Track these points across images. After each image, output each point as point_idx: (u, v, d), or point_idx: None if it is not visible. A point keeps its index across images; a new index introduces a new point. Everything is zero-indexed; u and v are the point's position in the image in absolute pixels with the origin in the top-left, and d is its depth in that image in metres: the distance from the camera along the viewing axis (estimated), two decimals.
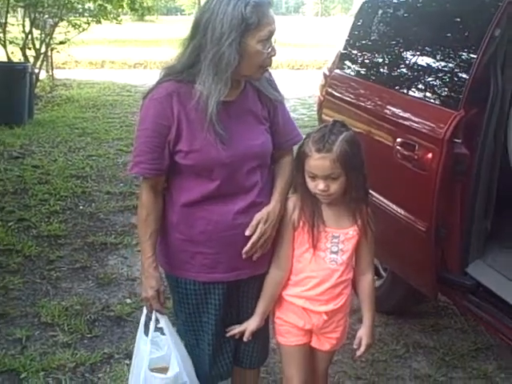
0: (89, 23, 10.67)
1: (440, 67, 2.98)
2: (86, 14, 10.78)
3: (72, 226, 4.75)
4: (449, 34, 2.98)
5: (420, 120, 2.84)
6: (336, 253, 2.07)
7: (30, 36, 9.92)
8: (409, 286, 3.16)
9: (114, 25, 11.78)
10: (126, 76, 13.61)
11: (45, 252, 4.25)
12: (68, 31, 10.65)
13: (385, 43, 3.50)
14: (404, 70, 3.23)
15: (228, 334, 2.14)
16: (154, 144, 1.96)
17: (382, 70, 3.45)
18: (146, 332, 2.14)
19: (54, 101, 10.21)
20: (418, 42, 3.17)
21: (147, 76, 11.99)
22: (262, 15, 1.88)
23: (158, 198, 2.06)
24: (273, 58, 1.96)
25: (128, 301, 3.61)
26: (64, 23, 10.57)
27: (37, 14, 9.96)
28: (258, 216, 2.01)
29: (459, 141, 2.63)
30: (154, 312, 2.11)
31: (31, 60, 9.85)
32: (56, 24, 10.41)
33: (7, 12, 9.60)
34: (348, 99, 3.55)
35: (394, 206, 2.93)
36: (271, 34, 1.92)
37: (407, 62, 3.22)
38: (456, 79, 2.81)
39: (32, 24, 9.90)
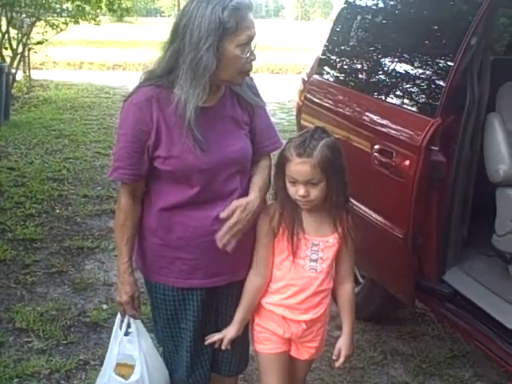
0: (67, 23, 10.60)
1: (417, 74, 3.00)
2: (63, 14, 10.70)
3: (48, 229, 4.70)
4: (426, 42, 3.01)
5: (397, 127, 2.86)
6: (316, 261, 2.06)
7: (6, 35, 9.82)
8: (386, 293, 3.17)
9: (92, 26, 11.71)
10: (104, 78, 13.52)
11: (20, 256, 4.19)
12: (46, 31, 10.57)
13: (363, 49, 3.52)
14: (382, 77, 3.25)
15: (206, 342, 2.11)
16: (132, 149, 1.95)
17: (360, 76, 3.47)
18: (117, 335, 2.13)
19: (31, 102, 10.10)
20: (396, 49, 3.19)
21: (126, 78, 11.94)
22: (240, 19, 1.87)
23: (137, 203, 2.05)
24: (253, 63, 1.96)
25: (104, 306, 3.58)
26: (42, 23, 10.50)
27: (14, 14, 9.86)
28: (236, 202, 1.96)
29: (436, 148, 2.65)
30: (126, 316, 2.10)
31: (8, 60, 9.75)
32: (33, 24, 10.32)
33: None
34: (326, 105, 3.56)
35: (372, 213, 2.94)
36: (250, 38, 1.90)
37: (385, 68, 3.24)
38: (433, 86, 2.83)
39: (9, 23, 9.80)
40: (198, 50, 1.84)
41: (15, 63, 10.16)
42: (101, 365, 2.95)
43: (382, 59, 3.30)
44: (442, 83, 2.72)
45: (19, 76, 10.97)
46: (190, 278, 2.04)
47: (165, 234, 2.02)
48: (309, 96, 3.80)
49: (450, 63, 2.69)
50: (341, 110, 3.36)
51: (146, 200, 2.06)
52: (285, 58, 17.78)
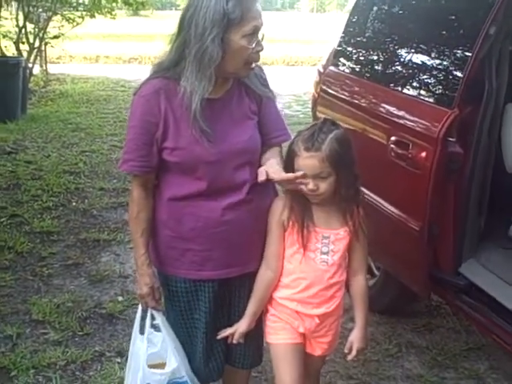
0: (83, 17, 10.63)
1: (434, 65, 2.96)
2: (80, 8, 10.72)
3: (65, 222, 4.73)
4: (444, 32, 2.97)
5: (414, 118, 2.83)
6: (326, 253, 2.04)
7: (23, 30, 9.86)
8: (402, 285, 3.15)
9: (108, 19, 11.73)
10: (120, 71, 13.56)
11: (37, 248, 4.23)
12: (62, 25, 10.61)
13: (379, 40, 3.48)
14: (398, 68, 3.22)
15: (219, 337, 2.11)
16: (142, 141, 1.96)
17: (376, 67, 3.44)
18: (142, 330, 2.14)
19: (48, 96, 10.15)
20: (413, 40, 3.16)
21: (141, 71, 11.92)
22: (245, 10, 1.85)
23: (149, 196, 2.06)
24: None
25: (120, 298, 3.59)
26: (58, 17, 10.52)
27: (30, 8, 9.90)
28: (261, 169, 1.94)
29: (453, 139, 2.61)
30: (149, 309, 2.11)
31: (25, 54, 9.79)
32: (50, 18, 10.36)
33: (0, 6, 9.53)
34: (342, 97, 3.54)
35: (388, 205, 2.92)
36: (256, 29, 1.88)
37: (402, 59, 3.21)
38: (450, 77, 2.80)
39: (26, 18, 9.84)
40: (203, 42, 1.84)
41: (32, 57, 10.21)
42: (116, 356, 3.02)
43: (399, 50, 3.27)
44: (459, 74, 2.68)
45: (36, 70, 11.03)
46: (201, 270, 2.04)
47: (176, 225, 2.03)
48: (324, 88, 3.77)
49: (467, 53, 2.65)
50: (357, 102, 3.34)
51: (157, 192, 2.06)
52: (300, 51, 17.72)
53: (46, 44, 10.98)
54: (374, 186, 2.95)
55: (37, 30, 10.19)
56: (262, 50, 1.92)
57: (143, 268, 2.06)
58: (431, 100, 2.84)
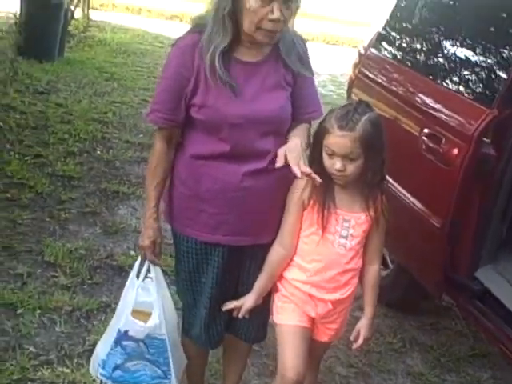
0: None
1: (478, 62, 2.90)
2: None
3: (87, 169, 4.74)
4: (492, 29, 2.90)
5: (450, 113, 2.78)
6: (346, 237, 2.01)
7: None
8: (414, 281, 3.12)
9: None
10: (160, 26, 13.45)
11: (57, 191, 4.25)
12: None
13: (425, 29, 3.41)
14: (440, 60, 3.15)
15: (224, 309, 2.10)
16: (172, 94, 1.96)
17: (418, 56, 3.37)
18: (133, 280, 2.17)
19: (86, 41, 10.11)
20: (459, 33, 3.09)
21: (181, 29, 11.86)
22: None
23: (170, 150, 2.06)
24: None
25: (132, 252, 3.60)
26: None
27: None
28: (281, 150, 1.88)
29: (488, 140, 2.56)
30: (147, 261, 2.12)
31: None
32: None
33: None
34: (379, 81, 3.48)
35: (411, 197, 2.88)
36: None
37: (445, 51, 3.14)
38: (493, 76, 2.74)
39: None
40: None
41: (75, 1, 10.17)
42: None
43: (444, 41, 3.20)
44: (503, 74, 2.63)
45: (78, 14, 10.99)
46: (213, 233, 2.03)
47: (193, 184, 2.02)
48: (363, 70, 3.72)
49: None
50: (394, 88, 3.29)
51: (180, 148, 2.05)
52: (341, 31, 17.43)
53: None
54: (400, 177, 2.91)
55: None
56: (278, 20, 1.84)
57: (149, 221, 2.07)
58: (471, 96, 2.78)
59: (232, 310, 2.10)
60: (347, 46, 15.19)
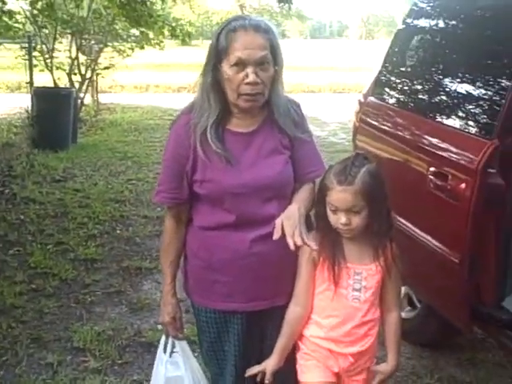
0: (133, 49, 10.90)
1: (474, 95, 2.92)
2: (129, 40, 11.01)
3: (108, 249, 4.81)
4: (482, 61, 2.93)
5: (453, 149, 2.78)
6: (359, 290, 2.00)
7: (76, 61, 10.16)
8: (443, 318, 3.07)
9: (158, 50, 12.01)
10: (169, 100, 13.81)
11: (81, 276, 4.31)
12: (113, 57, 10.90)
13: (419, 71, 3.46)
14: (437, 98, 3.18)
15: (247, 374, 2.08)
16: (173, 174, 2.03)
17: (415, 97, 3.41)
18: (161, 356, 2.21)
19: (98, 125, 10.42)
20: (451, 70, 3.12)
21: (190, 99, 12.15)
22: (231, 40, 1.90)
23: (181, 227, 2.10)
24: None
25: (159, 327, 3.55)
26: (109, 49, 10.82)
27: (83, 41, 10.22)
28: (278, 220, 1.90)
29: (494, 170, 2.56)
30: (170, 337, 2.16)
31: (77, 85, 10.08)
32: (101, 50, 10.66)
33: (55, 39, 9.88)
34: (381, 127, 3.52)
35: (427, 236, 2.87)
36: (240, 59, 1.88)
37: (441, 89, 3.18)
38: (490, 107, 2.75)
39: (78, 50, 10.15)
40: (204, 72, 1.97)
41: (84, 88, 10.50)
42: None
43: (438, 80, 3.23)
44: (499, 103, 2.64)
45: (87, 100, 11.33)
46: (229, 301, 2.05)
47: (205, 255, 2.06)
48: (364, 117, 3.76)
49: (507, 82, 2.61)
50: (396, 132, 3.31)
51: (189, 222, 2.10)
52: (348, 78, 17.71)
53: (97, 75, 11.28)
54: (413, 217, 2.92)
55: (89, 61, 10.49)
56: (255, 83, 1.90)
57: (167, 297, 2.12)
58: (470, 130, 2.79)
59: (256, 374, 2.08)
60: (354, 92, 15.38)
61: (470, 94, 2.92)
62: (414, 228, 2.94)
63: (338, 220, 1.94)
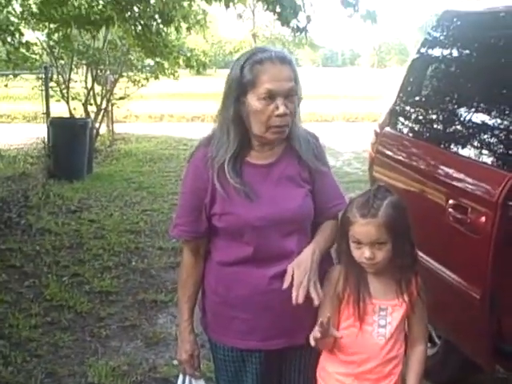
0: (147, 79, 11.01)
1: (492, 126, 2.90)
2: (144, 71, 11.13)
3: (124, 282, 4.79)
4: (502, 91, 2.91)
5: (472, 181, 2.75)
6: (384, 326, 1.96)
7: (91, 92, 10.29)
8: (464, 355, 3.00)
9: (172, 80, 12.13)
10: (183, 129, 13.90)
11: (96, 309, 4.28)
12: (127, 87, 11.02)
13: (436, 101, 3.44)
14: (455, 129, 3.16)
15: None
16: (191, 207, 2.01)
17: (432, 128, 3.39)
18: None
19: (113, 155, 10.48)
20: (470, 100, 3.10)
21: (204, 129, 12.21)
22: (258, 73, 1.88)
23: (199, 261, 2.08)
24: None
25: (175, 362, 3.53)
26: (124, 79, 10.95)
27: (98, 71, 10.35)
28: (290, 265, 1.90)
29: None
30: (187, 376, 2.12)
31: (92, 115, 10.19)
32: (116, 80, 10.79)
33: (71, 69, 10.02)
34: (399, 158, 3.49)
35: (447, 271, 2.82)
36: (270, 92, 1.87)
37: (458, 120, 3.15)
38: (506, 137, 2.73)
39: (94, 80, 10.28)
40: (224, 104, 1.95)
41: (99, 118, 10.61)
42: None
43: (455, 111, 3.22)
44: None
45: (103, 130, 11.44)
46: (247, 339, 2.01)
47: (223, 291, 2.03)
48: (381, 148, 3.74)
49: None
50: (413, 163, 3.29)
51: (208, 256, 2.08)
52: (360, 107, 17.74)
53: (112, 105, 11.40)
54: (432, 251, 2.87)
55: (104, 91, 10.62)
56: (284, 114, 1.89)
57: (185, 334, 2.08)
58: (490, 162, 2.76)
59: None
60: (367, 121, 15.41)
61: (487, 123, 2.90)
62: (432, 261, 2.89)
63: (362, 254, 1.91)
